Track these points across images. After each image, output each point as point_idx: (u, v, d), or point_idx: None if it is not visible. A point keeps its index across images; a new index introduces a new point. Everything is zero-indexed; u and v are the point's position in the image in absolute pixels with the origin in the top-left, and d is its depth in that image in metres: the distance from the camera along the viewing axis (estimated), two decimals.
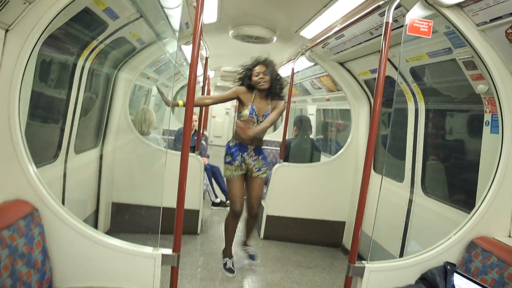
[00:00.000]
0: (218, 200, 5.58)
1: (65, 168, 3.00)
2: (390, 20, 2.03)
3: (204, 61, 4.78)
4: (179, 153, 4.60)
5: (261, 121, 3.23)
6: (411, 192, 3.37)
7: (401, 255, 3.38)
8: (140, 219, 4.04)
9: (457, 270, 2.11)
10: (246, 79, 3.29)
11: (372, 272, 2.15)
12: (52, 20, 1.84)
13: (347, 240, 4.42)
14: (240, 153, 3.31)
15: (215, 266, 3.58)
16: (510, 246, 2.08)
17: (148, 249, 2.01)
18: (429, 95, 3.11)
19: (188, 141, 2.02)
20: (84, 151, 3.48)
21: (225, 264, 3.48)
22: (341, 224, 4.52)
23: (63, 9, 1.83)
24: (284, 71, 5.50)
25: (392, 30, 2.59)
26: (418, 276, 2.21)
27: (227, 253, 3.54)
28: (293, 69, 4.40)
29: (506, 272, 1.91)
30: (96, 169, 3.85)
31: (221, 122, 14.17)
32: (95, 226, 3.93)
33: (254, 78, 3.21)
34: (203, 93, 8.49)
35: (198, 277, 3.33)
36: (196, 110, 5.40)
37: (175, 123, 8.07)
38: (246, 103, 3.26)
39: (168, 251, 2.01)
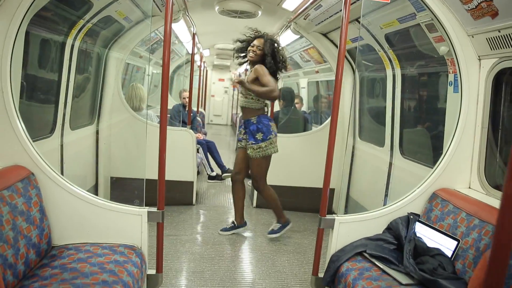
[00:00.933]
0: (214, 174, 5.80)
1: (62, 141, 3.20)
2: None
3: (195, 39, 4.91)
4: (173, 128, 4.82)
5: (241, 90, 3.46)
6: (391, 155, 3.54)
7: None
8: (138, 191, 4.29)
9: (419, 219, 2.32)
10: (243, 49, 3.49)
11: (342, 223, 2.36)
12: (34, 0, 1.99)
13: (337, 206, 4.64)
14: (240, 128, 3.61)
15: (208, 232, 3.82)
16: (466, 195, 2.27)
17: (135, 208, 2.22)
18: (404, 61, 3.24)
19: (165, 114, 2.19)
20: (79, 127, 3.68)
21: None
22: (331, 191, 4.72)
23: None
24: None
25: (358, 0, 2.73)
26: (385, 226, 2.41)
27: (235, 219, 3.80)
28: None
29: (459, 216, 2.11)
30: (93, 145, 4.06)
31: (220, 100, 14.29)
32: None
33: (249, 48, 3.37)
34: (200, 74, 8.66)
35: (191, 241, 3.58)
36: (187, 87, 5.56)
37: (173, 103, 8.24)
38: None
39: (153, 209, 2.22)
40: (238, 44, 3.53)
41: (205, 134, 7.65)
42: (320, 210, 2.37)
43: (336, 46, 4.33)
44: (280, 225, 3.74)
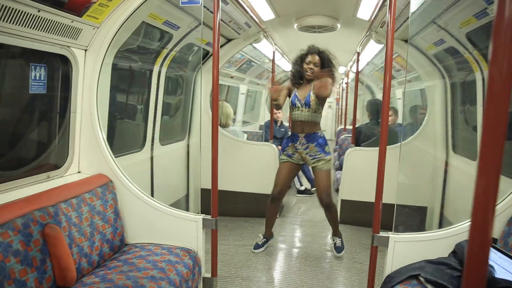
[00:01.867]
0: (303, 188, 5.82)
1: (152, 155, 3.69)
2: None
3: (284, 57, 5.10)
4: (254, 142, 5.05)
5: (304, 103, 3.29)
6: None
7: None
8: (228, 203, 4.60)
9: (494, 245, 1.98)
10: (297, 66, 3.37)
11: (397, 242, 2.17)
12: (113, 37, 2.43)
13: (429, 225, 4.19)
14: (292, 143, 3.42)
15: (284, 244, 3.87)
16: None
17: (192, 214, 2.44)
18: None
19: (216, 128, 2.38)
20: (170, 143, 4.18)
21: (257, 238, 3.73)
22: (423, 209, 4.29)
23: (120, 27, 2.41)
24: (363, 59, 5.41)
25: None
26: (452, 249, 2.12)
27: (265, 233, 3.73)
28: (358, 53, 4.38)
29: None
30: (184, 159, 4.54)
31: (325, 115, 14.16)
32: (187, 207, 4.63)
33: (304, 66, 3.30)
34: None
35: (265, 253, 3.68)
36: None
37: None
38: (292, 92, 3.40)
39: (208, 216, 2.41)
40: (293, 68, 3.45)
41: None
42: (373, 226, 2.23)
43: (421, 52, 4.00)
44: (341, 239, 3.64)
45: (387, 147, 4.45)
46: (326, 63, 3.27)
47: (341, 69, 9.34)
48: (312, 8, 4.10)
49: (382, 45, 4.43)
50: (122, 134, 3.39)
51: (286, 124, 7.50)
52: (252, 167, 4.63)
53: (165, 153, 3.97)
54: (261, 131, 6.90)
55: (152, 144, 3.71)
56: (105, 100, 2.75)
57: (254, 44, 4.76)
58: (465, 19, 2.64)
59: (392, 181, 4.25)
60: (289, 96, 3.44)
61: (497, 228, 2.08)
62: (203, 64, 4.46)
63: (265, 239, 3.73)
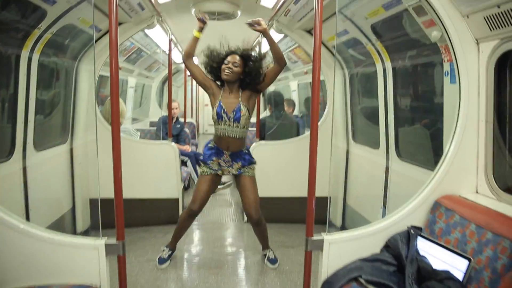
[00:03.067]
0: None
1: (24, 165, 2.90)
2: None
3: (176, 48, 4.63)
4: (151, 141, 4.52)
5: (231, 118, 2.87)
6: (387, 158, 3.23)
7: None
8: (124, 212, 3.97)
9: (421, 234, 2.00)
10: (212, 65, 2.93)
11: (332, 244, 2.04)
12: None
13: (333, 215, 4.32)
14: (216, 157, 3.03)
15: (193, 253, 3.50)
16: (473, 202, 1.95)
17: (89, 240, 1.91)
18: (393, 52, 2.93)
19: (118, 127, 1.89)
20: (48, 147, 3.38)
21: (160, 256, 3.25)
22: (325, 200, 4.38)
23: None
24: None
25: None
26: (383, 244, 2.09)
27: (171, 245, 3.31)
28: (260, 43, 4.22)
29: (467, 229, 1.79)
30: (67, 165, 3.76)
31: None
32: (74, 223, 3.87)
33: (222, 66, 2.86)
34: (185, 81, 8.40)
35: (174, 266, 3.25)
36: (176, 97, 5.25)
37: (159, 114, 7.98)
38: (216, 97, 2.96)
39: (112, 240, 1.90)
40: (205, 60, 2.99)
41: (196, 145, 7.36)
42: (306, 229, 2.05)
43: (322, 43, 4.04)
44: (272, 251, 3.35)
45: (289, 140, 4.51)
46: (249, 61, 2.87)
47: None
48: None
49: (282, 35, 4.36)
50: None
51: (182, 119, 7.04)
52: (150, 169, 4.11)
53: (42, 161, 3.18)
54: (153, 128, 6.30)
55: (24, 151, 2.91)
56: None
57: (146, 31, 4.20)
58: (372, 10, 2.65)
59: (301, 174, 4.29)
60: (212, 95, 2.99)
61: (421, 217, 2.11)
62: (85, 52, 3.72)
63: (170, 251, 3.29)
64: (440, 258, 1.83)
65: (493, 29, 1.82)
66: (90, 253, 1.90)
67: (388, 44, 2.91)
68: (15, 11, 2.46)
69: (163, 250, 3.27)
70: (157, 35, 4.54)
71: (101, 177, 3.95)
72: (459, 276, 1.70)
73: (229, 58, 2.87)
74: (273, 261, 3.28)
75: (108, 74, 5.06)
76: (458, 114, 2.06)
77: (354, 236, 2.08)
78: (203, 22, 2.92)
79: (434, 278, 1.71)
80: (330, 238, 2.04)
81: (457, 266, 1.73)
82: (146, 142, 4.33)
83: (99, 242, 1.90)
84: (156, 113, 8.38)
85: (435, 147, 2.68)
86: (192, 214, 3.12)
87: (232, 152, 2.98)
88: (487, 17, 1.80)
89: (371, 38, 3.01)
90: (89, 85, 3.92)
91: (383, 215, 3.19)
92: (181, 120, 6.60)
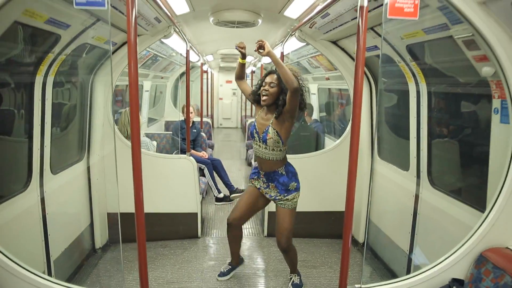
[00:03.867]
0: (221, 195, 5.38)
1: (42, 193, 2.82)
2: (365, 4, 1.67)
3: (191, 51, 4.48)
4: (169, 156, 4.42)
5: (261, 139, 2.79)
6: (417, 183, 3.05)
7: (410, 251, 3.13)
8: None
9: None
10: (256, 90, 2.84)
11: None
12: None
13: (355, 231, 4.18)
14: (256, 176, 3.00)
15: (215, 275, 3.40)
16: None
17: None
18: (431, 76, 2.72)
19: (138, 140, 1.77)
20: (65, 168, 3.30)
21: (222, 269, 3.38)
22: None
23: None
24: (277, 53, 5.12)
25: (375, 9, 2.24)
26: None
27: (232, 261, 3.37)
28: (282, 53, 4.03)
29: None
30: (85, 182, 3.69)
31: (229, 103, 13.85)
32: (92, 240, 3.83)
33: (261, 89, 2.75)
34: (201, 78, 8.24)
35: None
36: (190, 91, 5.10)
37: (177, 115, 7.87)
38: (256, 114, 2.93)
39: None
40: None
41: (212, 147, 7.25)
42: (340, 281, 1.91)
43: (347, 54, 3.83)
44: (299, 277, 3.22)
45: (311, 153, 4.35)
46: (279, 85, 2.68)
47: (248, 58, 9.02)
48: (232, 1, 3.57)
49: (304, 44, 4.16)
50: None
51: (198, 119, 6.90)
52: (168, 183, 4.02)
53: (60, 185, 3.11)
54: (169, 132, 6.18)
55: (42, 177, 2.83)
56: None
57: (163, 40, 4.05)
58: (411, 31, 2.44)
59: (323, 188, 4.16)
60: (256, 102, 2.91)
61: (464, 268, 1.95)
62: (100, 65, 3.60)
63: (230, 267, 3.37)
64: None
65: None
66: None
67: (425, 67, 2.70)
68: (28, 40, 2.34)
69: (225, 265, 3.40)
70: (174, 42, 4.38)
71: (119, 192, 3.91)
72: None
73: (267, 79, 2.72)
74: (298, 286, 3.16)
75: (123, 83, 4.92)
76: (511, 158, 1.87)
77: None
78: (242, 49, 2.80)
79: None
80: None
81: None
82: (164, 156, 4.22)
83: None
84: (171, 112, 8.29)
85: (475, 184, 2.49)
86: (229, 227, 3.07)
87: (265, 172, 2.90)
88: None
89: (405, 57, 2.80)
90: (105, 98, 3.81)
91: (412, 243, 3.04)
92: (197, 121, 6.48)
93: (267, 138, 2.75)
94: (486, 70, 1.92)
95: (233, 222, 3.01)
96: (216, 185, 5.38)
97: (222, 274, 3.32)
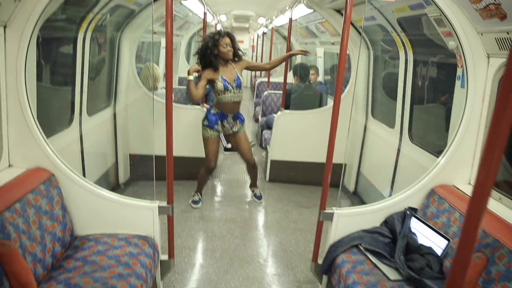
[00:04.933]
0: (229, 146, 5.94)
1: (81, 131, 3.39)
2: None
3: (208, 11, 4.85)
4: (184, 106, 4.94)
5: (235, 86, 3.62)
6: (400, 139, 3.56)
7: (389, 195, 3.70)
8: (163, 168, 4.53)
9: (415, 215, 2.40)
10: (212, 50, 3.49)
11: (340, 217, 2.48)
12: (42, 13, 2.08)
13: (347, 181, 4.75)
14: (220, 121, 3.76)
15: (221, 208, 4.04)
16: (463, 193, 2.31)
17: (147, 203, 2.41)
18: (416, 46, 3.15)
19: (170, 90, 2.28)
20: (97, 112, 3.85)
21: (193, 197, 4.15)
22: (340, 166, 4.80)
23: (48, 3, 2.05)
24: (286, 17, 5.46)
25: None
26: (383, 220, 2.52)
27: (198, 190, 4.17)
28: (290, 18, 4.41)
29: (452, 216, 2.18)
30: (111, 126, 4.25)
31: None
32: (116, 176, 4.45)
33: (222, 49, 3.51)
34: None
35: (204, 219, 3.82)
36: None
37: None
38: (215, 78, 3.56)
39: (163, 203, 2.40)
40: (204, 45, 3.55)
41: None
42: (321, 203, 2.48)
43: (351, 23, 4.20)
44: (258, 188, 4.32)
45: (312, 110, 4.84)
46: (234, 43, 3.60)
47: (260, 20, 9.26)
48: None
49: (311, 10, 4.51)
50: (49, 112, 3.02)
51: None
52: (183, 131, 4.59)
53: (93, 126, 3.67)
54: (183, 87, 6.66)
55: (80, 117, 3.39)
56: (33, 81, 2.40)
57: (182, 1, 4.44)
58: (399, 7, 2.85)
59: (321, 142, 4.67)
60: (210, 81, 3.60)
61: (418, 201, 2.51)
62: (127, 24, 4.04)
63: (200, 195, 4.18)
64: (427, 236, 2.25)
65: (502, 49, 2.06)
66: (147, 212, 2.41)
67: (411, 38, 3.12)
68: (76, 2, 2.79)
69: (194, 195, 4.15)
70: (192, 3, 4.76)
71: (140, 135, 4.47)
72: (439, 252, 2.13)
73: (225, 41, 3.52)
74: (259, 197, 4.25)
75: (146, 40, 5.32)
76: (463, 115, 2.36)
77: (359, 212, 2.51)
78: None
79: (418, 252, 2.15)
80: (339, 212, 2.47)
81: (438, 244, 2.15)
82: (181, 106, 4.75)
83: (154, 205, 2.40)
84: (185, 68, 8.69)
85: (439, 136, 3.00)
86: (210, 171, 3.96)
87: (234, 114, 3.78)
88: (498, 39, 2.03)
89: (397, 28, 3.21)
90: (130, 53, 4.29)
91: (390, 194, 3.61)
92: None
93: (241, 81, 3.67)
94: (451, 44, 2.36)
95: (214, 166, 3.90)
96: (225, 136, 5.94)
97: (197, 202, 4.09)
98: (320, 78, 6.63)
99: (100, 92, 4.07)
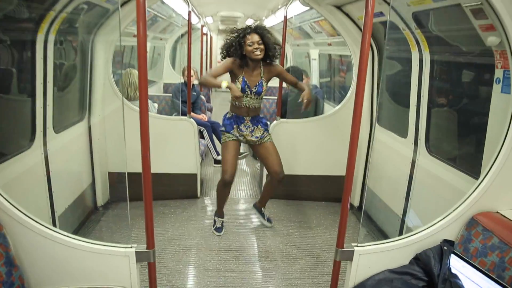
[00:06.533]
0: (219, 157, 5.46)
1: (45, 151, 2.86)
2: None
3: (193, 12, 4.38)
4: (170, 118, 4.44)
5: (254, 92, 3.15)
6: (415, 150, 3.13)
7: (403, 214, 3.26)
8: (138, 186, 4.01)
9: (454, 251, 1.95)
10: (236, 49, 3.04)
11: (362, 255, 2.01)
12: None
13: (351, 195, 4.31)
14: (236, 125, 3.26)
15: (217, 238, 3.54)
16: None
17: (120, 248, 1.90)
18: (435, 44, 2.72)
19: (146, 100, 1.76)
20: (67, 127, 3.33)
21: (214, 222, 3.61)
22: (344, 179, 4.37)
23: None
24: (277, 18, 5.03)
25: None
26: (413, 255, 2.06)
27: (218, 213, 3.61)
28: (285, 17, 3.97)
29: (507, 256, 1.74)
30: (86, 142, 3.74)
31: None
32: (94, 198, 3.93)
33: (248, 48, 3.00)
34: (201, 42, 8.08)
35: (195, 247, 3.31)
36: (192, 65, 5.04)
37: (175, 77, 7.79)
38: (238, 75, 3.12)
39: (142, 247, 1.90)
40: (226, 41, 3.13)
41: (211, 110, 7.25)
42: (338, 240, 2.01)
43: (352, 20, 3.78)
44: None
45: (310, 118, 4.38)
46: (266, 39, 3.02)
47: (248, 21, 8.80)
48: None
49: (307, 8, 4.08)
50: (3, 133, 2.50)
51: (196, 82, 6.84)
52: (169, 145, 4.08)
53: (63, 144, 3.15)
54: (168, 94, 6.15)
55: (45, 135, 2.86)
56: None
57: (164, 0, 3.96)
58: None
59: (320, 153, 4.24)
60: (233, 74, 3.15)
61: (455, 232, 2.06)
62: (101, 25, 3.53)
63: (222, 220, 3.63)
64: (474, 281, 1.80)
65: None
66: (122, 260, 1.91)
67: (429, 35, 2.69)
68: None
69: (215, 221, 3.60)
70: (175, 2, 4.28)
71: (121, 151, 3.95)
72: None
73: (251, 38, 2.99)
74: (270, 220, 3.75)
75: (126, 43, 4.82)
76: (509, 127, 1.92)
77: (385, 248, 2.05)
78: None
79: None
80: (361, 250, 2.01)
81: None
82: (165, 118, 4.25)
83: (130, 250, 1.90)
84: (170, 74, 8.19)
85: (466, 149, 2.57)
86: (227, 184, 3.27)
87: (252, 116, 3.27)
88: None
89: (410, 25, 2.78)
90: (106, 58, 3.78)
91: (405, 210, 3.17)
92: (196, 84, 6.42)
93: (262, 90, 3.18)
94: (491, 40, 1.93)
95: (230, 179, 3.21)
96: (215, 147, 5.46)
97: (220, 229, 3.56)
98: (315, 81, 6.21)
99: (70, 104, 3.55)
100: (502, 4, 1.72)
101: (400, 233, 3.33)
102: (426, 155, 2.99)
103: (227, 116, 3.32)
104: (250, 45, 2.98)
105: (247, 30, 3.00)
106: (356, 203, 4.27)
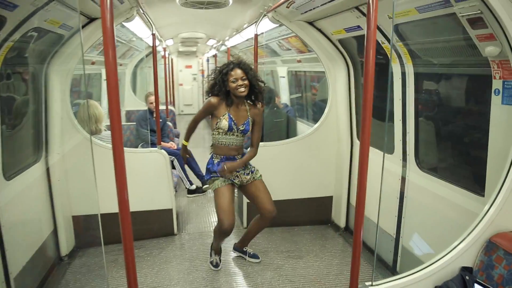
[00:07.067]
0: (193, 187, 5.13)
1: None
2: None
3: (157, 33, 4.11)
4: (139, 150, 4.07)
5: (241, 130, 2.94)
6: (403, 166, 3.00)
7: (397, 233, 3.11)
8: (109, 228, 3.60)
9: (478, 280, 1.78)
10: (220, 87, 2.86)
11: None
12: None
13: (336, 215, 4.14)
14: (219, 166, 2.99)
15: (197, 275, 3.20)
16: None
17: None
18: (418, 57, 2.63)
19: (120, 137, 1.48)
20: (20, 172, 2.90)
21: (212, 262, 3.36)
22: (329, 199, 4.20)
23: None
24: (245, 35, 4.88)
25: None
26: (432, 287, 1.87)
27: (215, 251, 3.38)
28: (256, 35, 3.80)
29: None
30: (45, 186, 3.29)
31: (189, 89, 13.40)
32: (57, 247, 3.45)
33: (232, 85, 2.81)
34: (165, 64, 7.80)
35: None
36: (149, 78, 4.72)
37: (137, 104, 7.40)
38: (223, 112, 2.90)
39: None
40: (209, 77, 2.98)
41: (178, 135, 6.91)
42: (351, 281, 1.79)
43: (325, 35, 3.67)
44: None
45: (289, 140, 4.19)
46: (249, 73, 2.84)
47: (210, 42, 8.62)
48: None
49: (277, 25, 3.94)
50: None
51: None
52: (139, 180, 3.70)
53: (16, 193, 2.72)
54: (132, 123, 5.74)
55: None
56: None
57: (124, 23, 3.65)
58: (402, 10, 2.31)
59: (300, 174, 4.03)
60: (214, 114, 2.95)
61: (472, 256, 1.90)
62: (55, 53, 3.17)
63: (218, 256, 3.39)
64: None
65: None
66: None
67: (413, 48, 2.60)
68: None
69: (212, 258, 3.38)
70: (136, 25, 3.99)
71: (85, 192, 3.53)
72: None
73: (235, 75, 2.81)
74: (256, 256, 3.47)
75: (79, 72, 4.41)
76: None
77: (403, 284, 1.84)
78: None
79: None
80: None
81: None
82: (133, 150, 3.90)
83: None
84: (132, 101, 7.79)
85: (463, 164, 2.47)
86: (227, 233, 2.95)
87: (242, 154, 3.08)
88: None
89: (391, 38, 2.69)
90: (62, 90, 3.39)
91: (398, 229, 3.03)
92: (162, 109, 6.10)
93: (249, 129, 2.97)
94: (490, 50, 1.83)
95: (230, 228, 2.89)
96: (187, 177, 5.12)
97: (217, 265, 3.33)
98: (286, 99, 6.09)
99: (24, 144, 3.12)
100: (505, 11, 1.62)
101: (395, 254, 3.18)
102: (417, 170, 2.87)
103: (215, 161, 3.02)
104: (233, 82, 2.79)
105: (230, 66, 2.82)
106: (342, 224, 4.08)
